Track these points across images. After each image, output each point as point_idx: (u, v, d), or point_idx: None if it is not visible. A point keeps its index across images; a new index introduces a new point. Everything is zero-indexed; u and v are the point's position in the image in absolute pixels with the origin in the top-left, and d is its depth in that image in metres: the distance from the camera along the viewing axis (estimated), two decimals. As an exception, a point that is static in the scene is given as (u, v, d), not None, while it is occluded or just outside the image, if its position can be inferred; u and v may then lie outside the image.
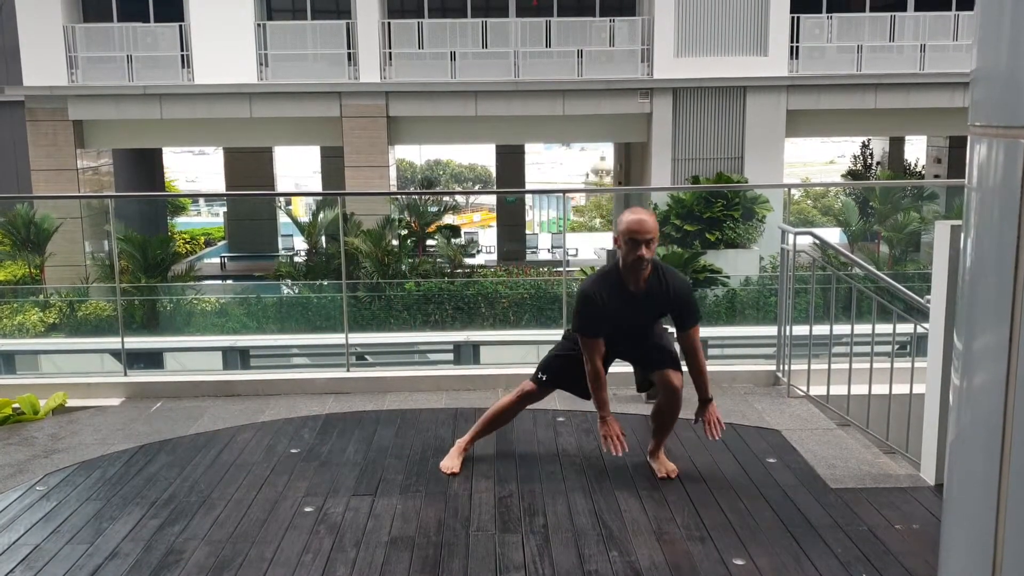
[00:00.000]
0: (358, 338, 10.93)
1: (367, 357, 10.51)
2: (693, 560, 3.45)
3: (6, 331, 14.38)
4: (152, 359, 11.15)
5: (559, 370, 4.33)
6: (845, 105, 18.57)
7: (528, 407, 4.54)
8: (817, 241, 5.67)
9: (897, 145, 27.19)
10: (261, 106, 18.34)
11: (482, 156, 40.11)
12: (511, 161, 27.06)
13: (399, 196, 20.63)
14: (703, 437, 4.78)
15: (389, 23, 18.54)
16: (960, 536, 1.53)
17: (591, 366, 4.12)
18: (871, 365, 4.82)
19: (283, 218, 26.18)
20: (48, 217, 17.88)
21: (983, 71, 1.45)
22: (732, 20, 18.21)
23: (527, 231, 29.12)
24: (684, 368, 4.22)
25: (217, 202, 37.06)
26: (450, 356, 10.81)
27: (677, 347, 4.27)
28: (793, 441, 4.72)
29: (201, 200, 38.51)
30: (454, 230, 20.03)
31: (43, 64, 18.09)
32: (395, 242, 17.62)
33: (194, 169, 42.83)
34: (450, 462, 4.37)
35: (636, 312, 4.10)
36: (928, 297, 4.28)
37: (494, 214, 29.71)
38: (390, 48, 18.50)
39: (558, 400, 5.45)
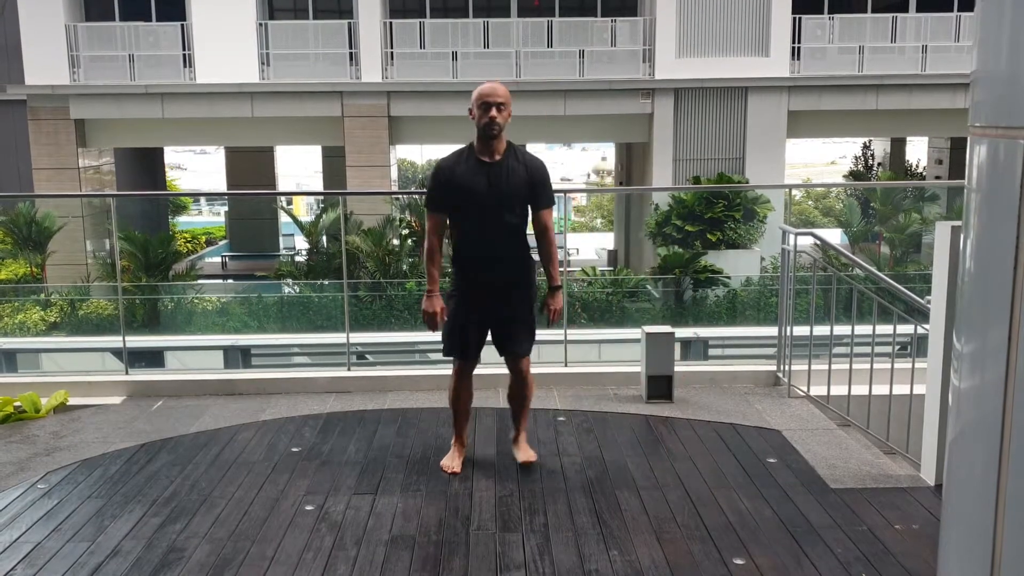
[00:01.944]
0: (359, 337, 10.93)
1: (368, 356, 10.52)
2: (693, 559, 3.45)
3: (8, 330, 14.39)
4: (153, 358, 11.16)
5: (463, 336, 4.29)
6: (846, 106, 18.56)
7: (544, 400, 4.54)
8: (818, 242, 5.68)
9: (898, 146, 27.17)
10: (263, 105, 18.34)
11: (483, 156, 40.00)
12: (512, 161, 27.02)
13: (400, 196, 20.65)
14: (703, 436, 4.79)
15: (391, 23, 18.54)
16: (959, 536, 1.53)
17: (428, 242, 4.19)
18: (871, 366, 4.83)
19: (284, 217, 26.17)
20: (50, 216, 17.88)
21: (983, 72, 1.45)
22: (734, 21, 18.21)
23: (528, 231, 29.08)
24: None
25: (218, 201, 37.06)
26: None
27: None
28: (793, 441, 4.73)
29: (202, 199, 38.52)
30: (455, 230, 20.00)
31: (45, 63, 18.09)
32: (396, 241, 17.62)
33: (189, 164, 42.78)
34: (450, 461, 4.38)
35: (490, 184, 4.07)
36: (928, 298, 4.29)
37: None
38: (392, 48, 18.50)
39: (559, 399, 5.45)
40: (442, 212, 4.18)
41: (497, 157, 4.11)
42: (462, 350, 4.30)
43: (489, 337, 4.38)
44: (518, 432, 4.47)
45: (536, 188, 4.14)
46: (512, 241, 4.19)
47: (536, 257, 4.32)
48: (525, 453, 4.40)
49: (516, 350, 4.31)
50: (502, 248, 4.18)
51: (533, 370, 5.94)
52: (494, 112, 4.03)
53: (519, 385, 4.39)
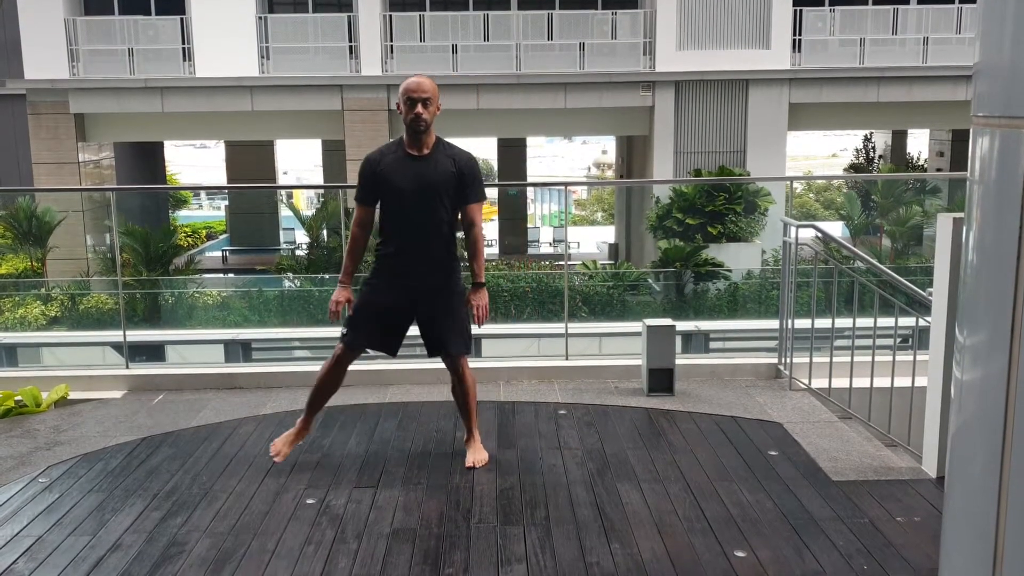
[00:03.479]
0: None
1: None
2: (694, 552, 3.45)
3: (8, 324, 14.40)
4: (154, 352, 11.16)
5: (361, 323, 4.22)
6: (847, 98, 18.54)
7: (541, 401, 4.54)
8: (819, 234, 5.66)
9: (900, 138, 27.15)
10: (262, 99, 18.32)
11: (484, 149, 40.08)
12: (513, 154, 27.05)
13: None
14: (704, 429, 4.79)
15: (390, 16, 18.51)
16: (961, 528, 1.53)
17: (351, 233, 4.20)
18: (873, 358, 4.82)
19: (284, 211, 26.18)
20: (50, 210, 17.88)
21: (986, 63, 1.45)
22: (734, 13, 18.18)
23: (528, 224, 29.12)
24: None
25: (219, 195, 37.05)
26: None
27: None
28: (795, 434, 4.72)
29: (203, 193, 38.50)
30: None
31: (44, 57, 18.08)
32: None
33: (189, 160, 42.72)
34: (281, 444, 4.34)
35: (419, 177, 4.04)
36: (930, 290, 4.28)
37: (495, 207, 29.67)
38: (391, 41, 18.48)
39: (559, 393, 5.45)
40: (368, 204, 4.16)
41: (425, 151, 4.08)
42: (352, 336, 4.22)
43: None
44: (469, 433, 4.42)
45: (464, 182, 4.09)
46: (437, 237, 4.12)
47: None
48: (475, 454, 4.31)
49: (447, 350, 4.22)
50: (427, 244, 4.12)
51: (535, 364, 5.95)
52: (420, 108, 4.00)
53: (459, 385, 4.32)
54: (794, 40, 18.41)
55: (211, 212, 36.52)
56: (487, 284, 4.33)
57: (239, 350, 10.64)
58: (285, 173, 32.05)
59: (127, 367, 5.97)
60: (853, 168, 27.94)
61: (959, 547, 1.55)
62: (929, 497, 3.95)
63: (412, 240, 4.12)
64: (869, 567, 3.33)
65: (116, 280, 15.52)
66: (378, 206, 4.19)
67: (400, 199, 4.08)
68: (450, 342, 4.22)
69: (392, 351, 4.31)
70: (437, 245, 4.14)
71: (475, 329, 4.31)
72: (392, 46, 18.47)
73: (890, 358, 4.84)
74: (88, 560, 3.45)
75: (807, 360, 5.41)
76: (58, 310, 15.49)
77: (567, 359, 5.95)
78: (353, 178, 16.08)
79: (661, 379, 5.40)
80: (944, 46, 18.37)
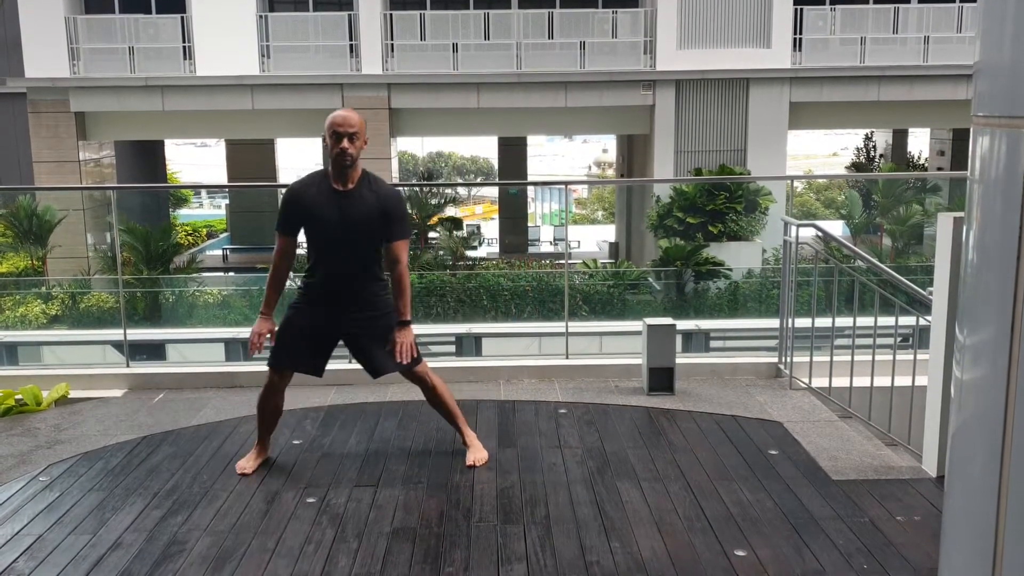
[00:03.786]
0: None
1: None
2: (694, 551, 3.45)
3: (9, 323, 14.41)
4: (154, 351, 11.15)
5: (287, 346, 4.19)
6: (848, 97, 18.53)
7: (536, 402, 4.54)
8: (820, 233, 5.66)
9: (900, 137, 27.13)
10: (263, 98, 18.32)
11: (484, 148, 40.08)
12: (513, 153, 27.04)
13: (401, 188, 20.65)
14: (705, 428, 4.79)
15: (391, 15, 18.50)
16: (961, 527, 1.53)
17: (273, 263, 4.15)
18: (873, 357, 4.82)
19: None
20: (50, 209, 17.89)
21: (986, 62, 1.45)
22: (735, 12, 18.17)
23: (529, 223, 29.12)
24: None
25: (219, 194, 37.06)
26: (452, 348, 10.81)
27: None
28: (795, 433, 4.72)
29: (203, 192, 38.51)
30: (456, 222, 20.03)
31: (45, 56, 18.07)
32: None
33: (189, 158, 42.71)
34: (245, 462, 4.29)
35: (342, 212, 4.00)
36: (930, 289, 4.28)
37: (496, 206, 29.68)
38: (392, 40, 18.47)
39: (560, 392, 5.46)
40: (290, 235, 4.12)
41: (350, 186, 4.03)
42: (276, 359, 4.19)
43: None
44: (462, 434, 4.43)
45: (388, 220, 4.04)
46: (361, 269, 4.11)
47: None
48: (474, 453, 4.33)
49: (398, 367, 4.20)
50: (351, 275, 4.11)
51: (535, 362, 5.95)
52: (346, 143, 3.92)
53: (428, 392, 4.34)
54: (795, 39, 18.40)
55: (212, 211, 36.54)
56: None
57: (239, 349, 10.63)
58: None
59: (127, 366, 5.97)
60: (854, 167, 27.93)
61: (959, 546, 1.55)
62: (929, 496, 3.95)
63: (336, 271, 4.11)
64: (869, 566, 3.33)
65: (117, 279, 15.53)
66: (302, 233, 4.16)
67: (324, 232, 4.05)
68: (391, 363, 4.18)
69: (319, 373, 4.30)
70: (361, 276, 4.13)
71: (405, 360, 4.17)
72: (393, 45, 18.47)
73: (890, 357, 4.84)
74: (88, 559, 3.46)
75: (807, 359, 5.41)
76: (59, 309, 15.50)
77: (567, 358, 5.95)
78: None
79: (661, 378, 5.40)
80: (945, 45, 18.36)
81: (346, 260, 4.09)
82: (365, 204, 4.01)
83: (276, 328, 4.20)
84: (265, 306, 4.17)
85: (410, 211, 19.07)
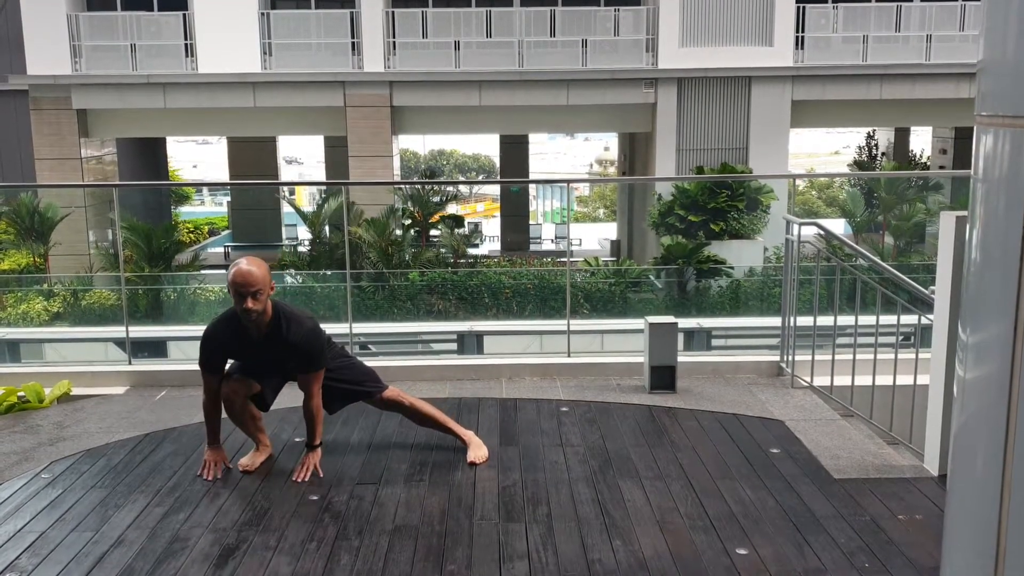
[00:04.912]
0: (362, 328, 10.94)
1: (371, 347, 10.53)
2: (696, 549, 3.46)
3: (11, 320, 14.42)
4: (156, 348, 11.17)
5: (210, 353, 4.21)
6: (850, 95, 18.51)
7: (538, 400, 4.54)
8: (822, 232, 5.66)
9: (902, 136, 27.11)
10: (265, 95, 18.32)
11: (486, 146, 40.09)
12: (515, 151, 27.03)
13: (403, 186, 20.64)
14: (706, 426, 4.79)
15: (393, 12, 18.49)
16: (963, 526, 1.53)
17: (204, 400, 4.25)
18: (875, 356, 4.82)
19: (287, 208, 26.20)
20: (52, 206, 17.90)
21: (990, 61, 1.44)
22: (737, 10, 18.15)
23: (531, 221, 29.10)
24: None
25: (221, 192, 37.06)
26: (453, 346, 10.81)
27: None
28: (797, 431, 4.72)
29: (205, 190, 38.52)
30: (458, 220, 20.04)
31: (47, 53, 18.07)
32: (399, 232, 17.62)
33: (190, 155, 42.77)
34: (248, 460, 4.33)
35: (259, 353, 4.16)
36: (933, 288, 4.28)
37: (498, 204, 29.66)
38: (394, 37, 18.46)
39: (561, 390, 5.46)
40: (215, 373, 4.20)
41: (264, 330, 4.08)
42: (208, 363, 4.19)
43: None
44: (458, 437, 4.47)
45: (300, 358, 4.13)
46: (288, 373, 4.32)
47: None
48: (474, 451, 4.36)
49: (366, 398, 4.44)
50: (281, 377, 4.35)
51: (537, 360, 5.96)
52: (249, 302, 3.92)
53: (406, 412, 4.50)
54: (797, 37, 18.38)
55: (213, 208, 36.54)
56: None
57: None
58: (292, 162, 32.05)
59: (130, 363, 5.98)
60: (856, 165, 27.91)
61: (961, 545, 1.55)
62: (931, 495, 3.95)
63: (262, 378, 4.27)
64: (871, 564, 3.33)
65: (118, 276, 15.53)
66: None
67: (244, 363, 4.25)
68: (360, 394, 4.41)
69: (266, 408, 4.37)
70: (291, 371, 4.28)
71: (297, 477, 4.19)
72: (394, 42, 18.46)
73: (892, 356, 4.84)
74: (91, 556, 3.46)
75: (809, 358, 5.40)
76: (60, 306, 15.51)
77: (569, 356, 5.95)
78: (356, 174, 16.00)
79: (663, 376, 5.40)
80: (947, 43, 18.33)
81: (269, 377, 4.29)
82: (276, 348, 4.11)
83: (226, 456, 4.33)
84: (211, 436, 4.29)
85: (413, 210, 19.12)
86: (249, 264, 3.99)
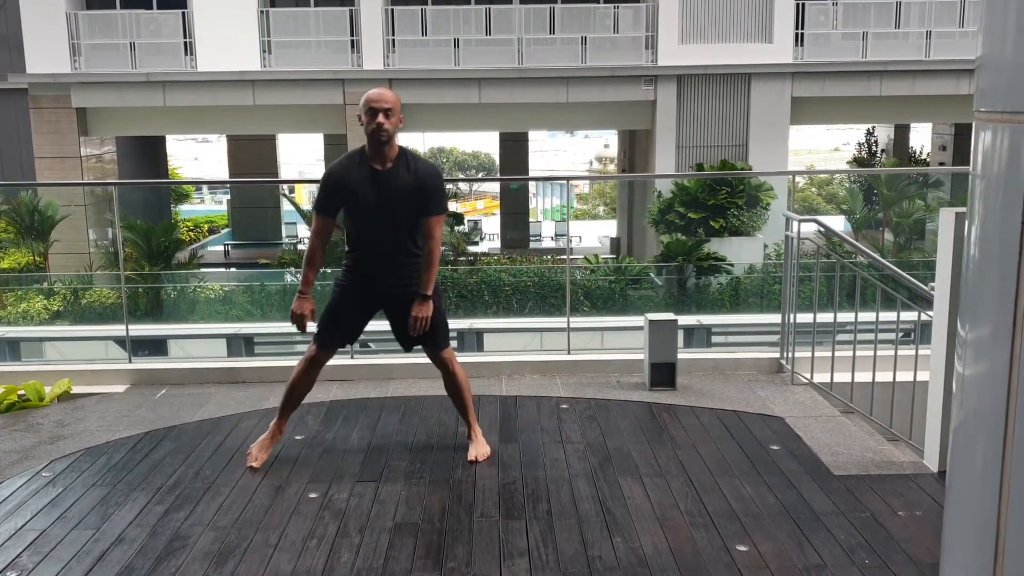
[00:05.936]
0: (362, 325, 10.87)
1: (371, 344, 10.53)
2: (696, 546, 3.46)
3: (11, 319, 14.42)
4: (156, 346, 11.18)
5: (335, 324, 4.28)
6: (850, 92, 18.50)
7: (542, 396, 4.55)
8: (821, 229, 5.66)
9: (902, 132, 27.11)
10: (264, 93, 18.31)
11: (485, 143, 40.05)
12: (514, 148, 27.02)
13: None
14: (706, 423, 4.80)
15: (392, 10, 18.48)
16: (963, 523, 1.53)
17: (310, 244, 4.22)
18: (875, 352, 4.82)
19: (287, 206, 26.19)
20: (52, 205, 17.90)
21: (989, 57, 1.44)
22: (736, 7, 18.13)
23: (531, 219, 29.10)
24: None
25: (221, 190, 37.05)
26: (454, 344, 10.80)
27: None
28: (796, 428, 4.73)
29: (205, 188, 38.52)
30: (457, 218, 20.02)
31: (46, 51, 18.06)
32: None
33: (191, 153, 42.73)
34: (257, 451, 4.31)
35: (381, 191, 4.05)
36: (932, 284, 4.28)
37: (497, 202, 29.66)
38: (393, 35, 18.45)
39: (561, 387, 5.46)
40: (329, 216, 4.18)
41: (388, 164, 4.06)
42: (326, 337, 4.28)
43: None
44: (469, 428, 4.44)
45: (425, 196, 4.07)
46: (402, 246, 4.15)
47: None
48: (476, 448, 4.34)
49: (424, 347, 4.34)
50: (392, 253, 4.17)
51: (537, 358, 5.96)
52: (381, 118, 3.94)
53: (448, 378, 4.40)
54: (796, 34, 18.37)
55: (213, 206, 36.53)
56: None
57: (241, 344, 10.66)
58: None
59: (130, 361, 5.98)
60: (856, 162, 27.90)
61: (960, 541, 1.55)
62: (931, 491, 3.96)
63: (378, 249, 4.17)
64: (870, 561, 3.34)
65: (118, 274, 15.54)
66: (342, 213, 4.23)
67: (364, 211, 4.11)
68: (425, 340, 4.29)
69: (354, 343, 4.39)
70: (403, 253, 4.17)
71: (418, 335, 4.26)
72: (394, 40, 18.45)
73: (892, 352, 4.84)
74: (91, 554, 3.47)
75: (809, 354, 5.41)
76: (60, 304, 15.51)
77: (569, 353, 5.95)
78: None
79: (663, 373, 5.40)
80: (947, 40, 18.32)
81: (388, 236, 4.14)
82: (403, 181, 4.05)
83: (315, 308, 4.28)
84: (304, 284, 4.23)
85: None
86: (381, 88, 4.08)
